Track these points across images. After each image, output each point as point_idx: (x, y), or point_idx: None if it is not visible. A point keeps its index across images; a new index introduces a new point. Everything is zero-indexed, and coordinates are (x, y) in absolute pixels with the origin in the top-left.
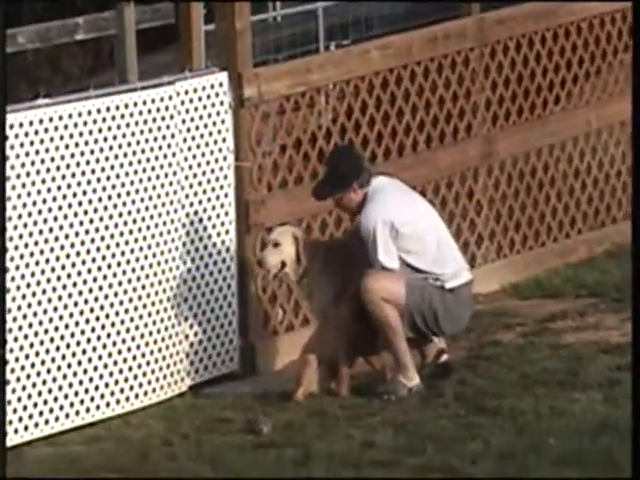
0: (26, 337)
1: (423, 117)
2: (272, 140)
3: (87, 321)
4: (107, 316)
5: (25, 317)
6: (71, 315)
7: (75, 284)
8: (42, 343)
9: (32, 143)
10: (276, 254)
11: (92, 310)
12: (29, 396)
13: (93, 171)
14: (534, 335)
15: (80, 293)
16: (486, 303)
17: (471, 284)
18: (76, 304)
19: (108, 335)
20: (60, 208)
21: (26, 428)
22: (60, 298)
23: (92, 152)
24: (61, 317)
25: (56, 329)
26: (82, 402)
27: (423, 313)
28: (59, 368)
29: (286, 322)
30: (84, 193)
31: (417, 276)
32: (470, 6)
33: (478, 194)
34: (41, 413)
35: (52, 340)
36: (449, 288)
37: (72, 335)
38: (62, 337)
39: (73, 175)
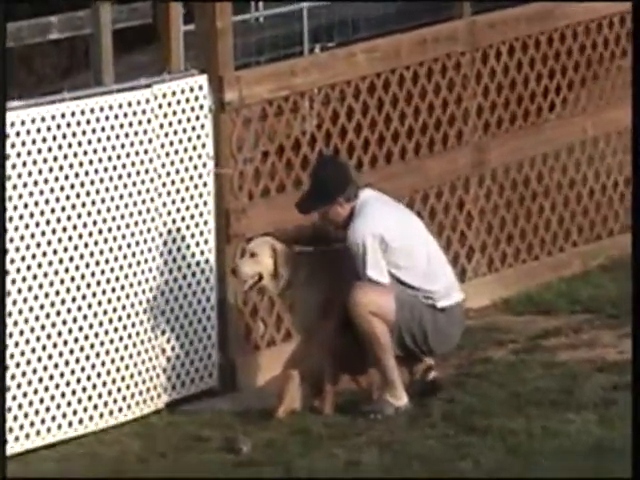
0: None
1: (412, 124)
2: (254, 146)
3: (59, 334)
4: (80, 328)
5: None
6: (42, 327)
7: (47, 295)
8: (12, 356)
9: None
10: (252, 264)
11: (64, 322)
12: None
13: (66, 177)
14: (526, 352)
15: (52, 304)
16: (477, 319)
17: (463, 304)
18: (48, 316)
19: (81, 348)
20: (32, 215)
21: None
22: (31, 309)
23: (65, 157)
24: (32, 329)
25: (27, 342)
26: (54, 418)
27: (412, 331)
28: (29, 383)
29: (267, 336)
30: (57, 200)
31: (407, 292)
32: (462, 7)
33: (469, 205)
34: (10, 430)
35: (22, 353)
36: (440, 307)
37: (43, 348)
38: (33, 350)
39: (46, 181)
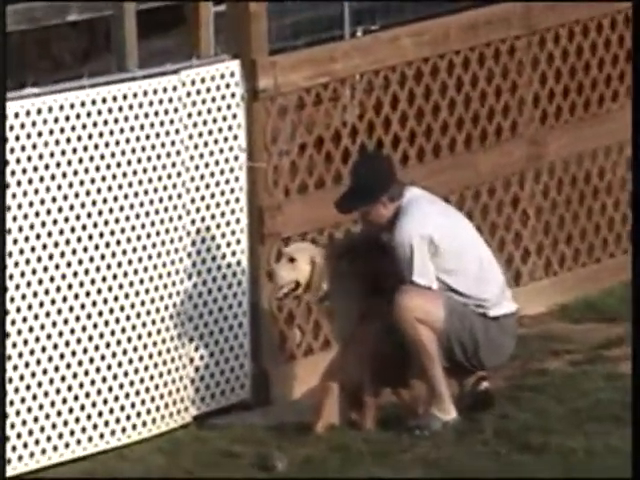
0: (9, 358)
1: (462, 114)
2: (290, 138)
3: (78, 341)
4: (101, 335)
5: (8, 336)
6: (60, 334)
7: (65, 299)
8: (27, 365)
9: (17, 138)
10: (289, 270)
11: (84, 328)
12: (12, 425)
13: (87, 170)
14: (586, 363)
15: (71, 309)
16: (532, 326)
17: (516, 315)
18: (66, 321)
19: (102, 357)
20: (49, 212)
21: (9, 461)
22: (48, 314)
23: (85, 149)
24: (49, 336)
25: (43, 349)
26: (72, 433)
27: (462, 340)
28: (46, 394)
29: (304, 345)
30: (76, 196)
31: (457, 298)
32: None
33: (524, 202)
34: (25, 445)
35: (39, 362)
36: (492, 316)
37: (61, 357)
38: (50, 358)
39: (64, 175)
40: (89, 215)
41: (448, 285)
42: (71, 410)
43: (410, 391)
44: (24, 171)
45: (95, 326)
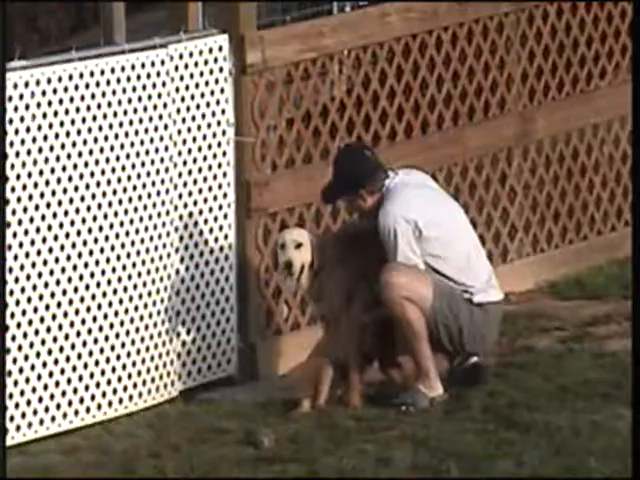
0: None
1: (450, 90)
2: (278, 113)
3: (65, 314)
4: (88, 309)
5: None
6: (47, 307)
7: (52, 272)
8: (14, 338)
9: (5, 111)
10: (299, 256)
11: (71, 302)
12: None
13: (74, 144)
14: (573, 341)
15: (58, 283)
16: (520, 304)
17: (501, 304)
18: (53, 295)
19: (89, 331)
20: (35, 185)
21: None
22: (35, 289)
23: (73, 122)
24: (35, 309)
25: (30, 323)
26: (59, 407)
27: (448, 323)
28: (32, 367)
29: (291, 320)
30: (63, 169)
31: (444, 282)
32: None
33: (512, 179)
34: (12, 418)
35: (25, 335)
36: (477, 302)
37: (48, 330)
38: (36, 332)
39: (51, 148)
40: (76, 189)
41: (434, 269)
42: (57, 383)
43: (399, 369)
44: (11, 144)
45: (82, 300)
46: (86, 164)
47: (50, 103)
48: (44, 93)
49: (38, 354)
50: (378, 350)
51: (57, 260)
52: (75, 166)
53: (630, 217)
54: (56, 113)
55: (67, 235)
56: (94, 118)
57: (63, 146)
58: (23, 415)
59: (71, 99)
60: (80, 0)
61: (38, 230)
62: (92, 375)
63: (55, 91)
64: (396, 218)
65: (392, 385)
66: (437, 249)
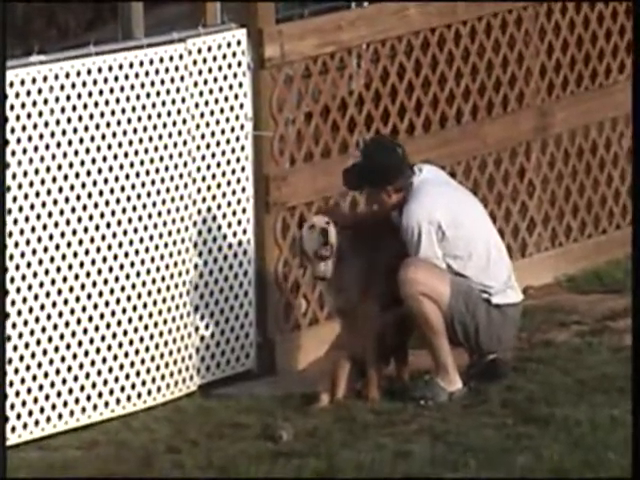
0: (14, 326)
1: (469, 84)
2: (296, 107)
3: (83, 309)
4: (106, 304)
5: (13, 304)
6: (65, 302)
7: (70, 266)
8: (32, 333)
9: (23, 105)
10: (327, 237)
11: (89, 296)
12: (17, 393)
13: (92, 139)
14: (592, 335)
15: (76, 277)
16: (538, 298)
17: (520, 306)
18: (71, 289)
19: (107, 326)
20: (54, 180)
21: (13, 429)
22: (53, 282)
23: (91, 117)
24: (54, 304)
25: (48, 317)
26: (77, 401)
27: (465, 322)
28: (51, 362)
29: (309, 314)
30: (81, 164)
31: (463, 281)
32: None
33: (530, 173)
34: (30, 413)
35: (44, 330)
36: (496, 303)
37: (66, 324)
38: (55, 326)
39: (70, 143)
40: (94, 183)
41: (455, 271)
42: (76, 378)
43: (406, 366)
44: (29, 139)
45: (100, 294)
46: (104, 159)
47: (69, 98)
48: (62, 88)
49: (57, 349)
50: (394, 345)
51: (76, 254)
52: (94, 160)
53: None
54: (74, 108)
55: (85, 230)
56: (112, 113)
57: (81, 140)
58: (42, 410)
59: (89, 94)
60: None
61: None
62: (110, 370)
63: (73, 85)
64: (420, 219)
65: (412, 378)
66: (459, 249)
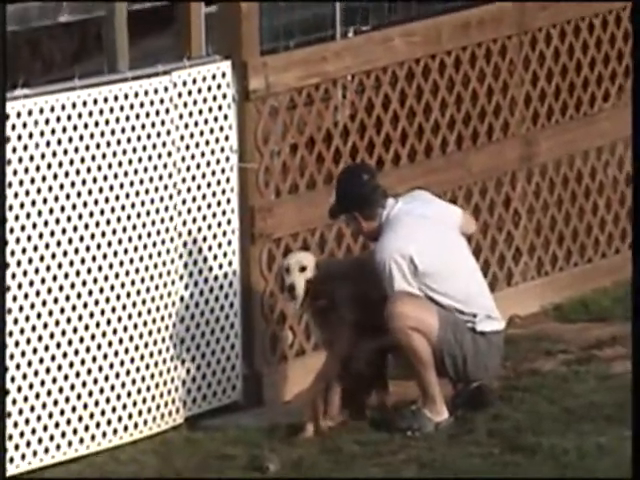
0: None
1: (454, 114)
2: (281, 138)
3: (69, 342)
4: (93, 337)
5: None
6: (52, 335)
7: (56, 300)
8: (18, 367)
9: (8, 140)
10: (303, 278)
11: (75, 330)
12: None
13: (78, 172)
14: (579, 364)
15: (62, 311)
16: (525, 327)
17: (503, 334)
18: (57, 323)
19: (94, 359)
20: (39, 214)
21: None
22: (39, 316)
23: (76, 150)
24: (40, 338)
25: (34, 351)
26: (64, 435)
27: (453, 353)
28: (37, 396)
29: (296, 346)
30: (67, 197)
31: (447, 311)
32: None
33: (516, 202)
34: (17, 447)
35: (30, 364)
36: (480, 331)
37: (52, 358)
38: (41, 360)
39: (55, 177)
40: (80, 217)
41: (434, 300)
42: (62, 412)
43: (388, 396)
44: (15, 172)
45: (87, 327)
46: (90, 192)
47: (53, 131)
48: (47, 121)
49: (42, 382)
50: (372, 375)
51: (61, 288)
52: (79, 194)
53: (630, 224)
54: (59, 141)
55: (71, 263)
56: (98, 146)
57: (67, 174)
58: (28, 444)
59: (74, 127)
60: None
61: (41, 259)
62: (97, 403)
63: (58, 119)
64: (392, 253)
65: (398, 408)
66: (435, 283)
